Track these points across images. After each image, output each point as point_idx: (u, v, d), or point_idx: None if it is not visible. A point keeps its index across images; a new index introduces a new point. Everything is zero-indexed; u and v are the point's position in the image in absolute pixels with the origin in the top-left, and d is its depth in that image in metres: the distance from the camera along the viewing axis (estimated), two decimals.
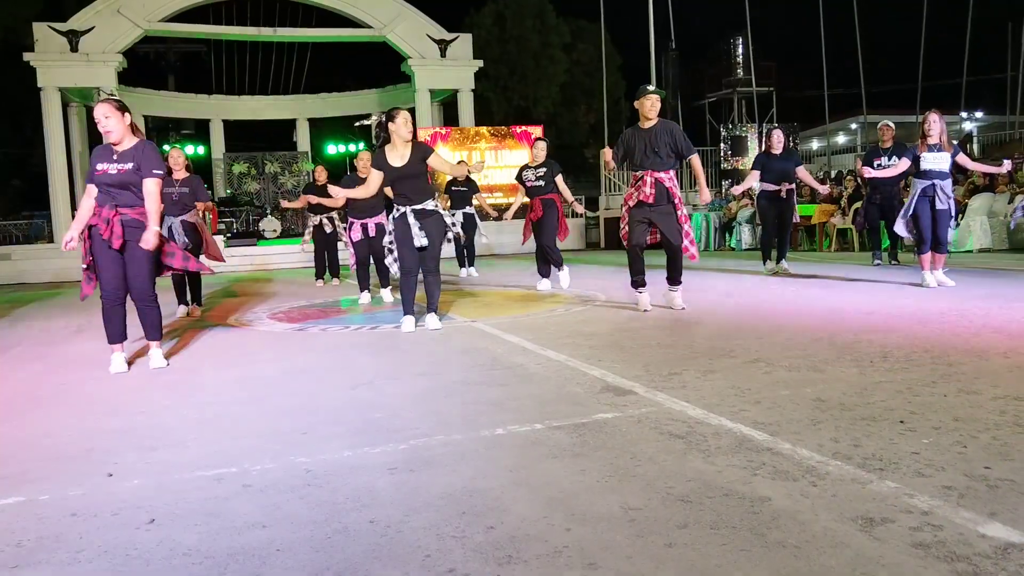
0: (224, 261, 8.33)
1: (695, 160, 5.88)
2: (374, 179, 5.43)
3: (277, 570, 1.82)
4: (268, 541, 1.98)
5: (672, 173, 5.85)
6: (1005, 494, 2.04)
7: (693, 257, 5.88)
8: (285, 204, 11.28)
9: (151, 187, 4.30)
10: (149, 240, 4.27)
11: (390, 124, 5.29)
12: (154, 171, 4.30)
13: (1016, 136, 18.07)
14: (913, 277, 6.93)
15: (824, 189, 9.33)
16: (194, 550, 1.95)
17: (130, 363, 4.61)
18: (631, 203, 5.85)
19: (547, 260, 8.04)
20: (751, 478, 2.25)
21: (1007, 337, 4.17)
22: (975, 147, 19.27)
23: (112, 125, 4.25)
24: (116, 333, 4.46)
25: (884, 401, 3.01)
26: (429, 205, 5.42)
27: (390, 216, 5.54)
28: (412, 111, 5.22)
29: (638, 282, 6.00)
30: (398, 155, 5.34)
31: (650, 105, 5.78)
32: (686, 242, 5.83)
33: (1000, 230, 10.99)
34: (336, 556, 1.88)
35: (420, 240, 5.32)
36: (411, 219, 5.34)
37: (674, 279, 6.00)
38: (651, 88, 5.89)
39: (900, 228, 6.82)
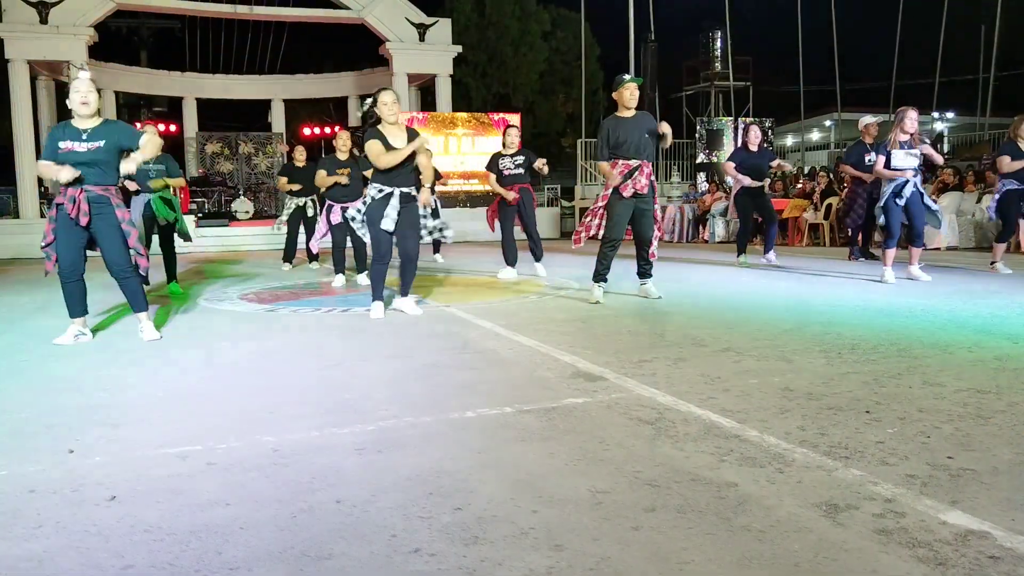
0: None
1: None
2: (379, 150, 5.17)
3: (240, 548, 1.79)
4: (232, 519, 1.96)
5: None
6: (966, 483, 2.07)
7: (661, 238, 6.07)
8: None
9: (149, 138, 4.39)
10: (136, 159, 4.41)
11: (378, 103, 5.15)
12: (137, 135, 4.41)
13: (986, 137, 18.36)
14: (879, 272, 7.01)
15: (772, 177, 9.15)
16: (155, 527, 1.92)
17: (93, 332, 4.59)
18: (625, 193, 5.65)
19: (529, 247, 8.06)
20: (718, 464, 2.27)
21: (972, 332, 4.24)
22: (945, 147, 19.56)
23: (94, 100, 4.36)
24: (77, 308, 4.51)
25: (851, 391, 3.04)
26: (413, 191, 5.29)
27: (363, 199, 5.37)
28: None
29: (604, 277, 5.94)
30: (394, 135, 5.20)
31: (629, 95, 5.70)
32: (657, 235, 6.05)
33: (967, 229, 11.18)
34: (301, 535, 1.86)
35: (389, 223, 5.14)
36: (395, 201, 5.15)
37: (647, 271, 6.05)
38: (628, 77, 5.79)
39: (888, 220, 6.77)
